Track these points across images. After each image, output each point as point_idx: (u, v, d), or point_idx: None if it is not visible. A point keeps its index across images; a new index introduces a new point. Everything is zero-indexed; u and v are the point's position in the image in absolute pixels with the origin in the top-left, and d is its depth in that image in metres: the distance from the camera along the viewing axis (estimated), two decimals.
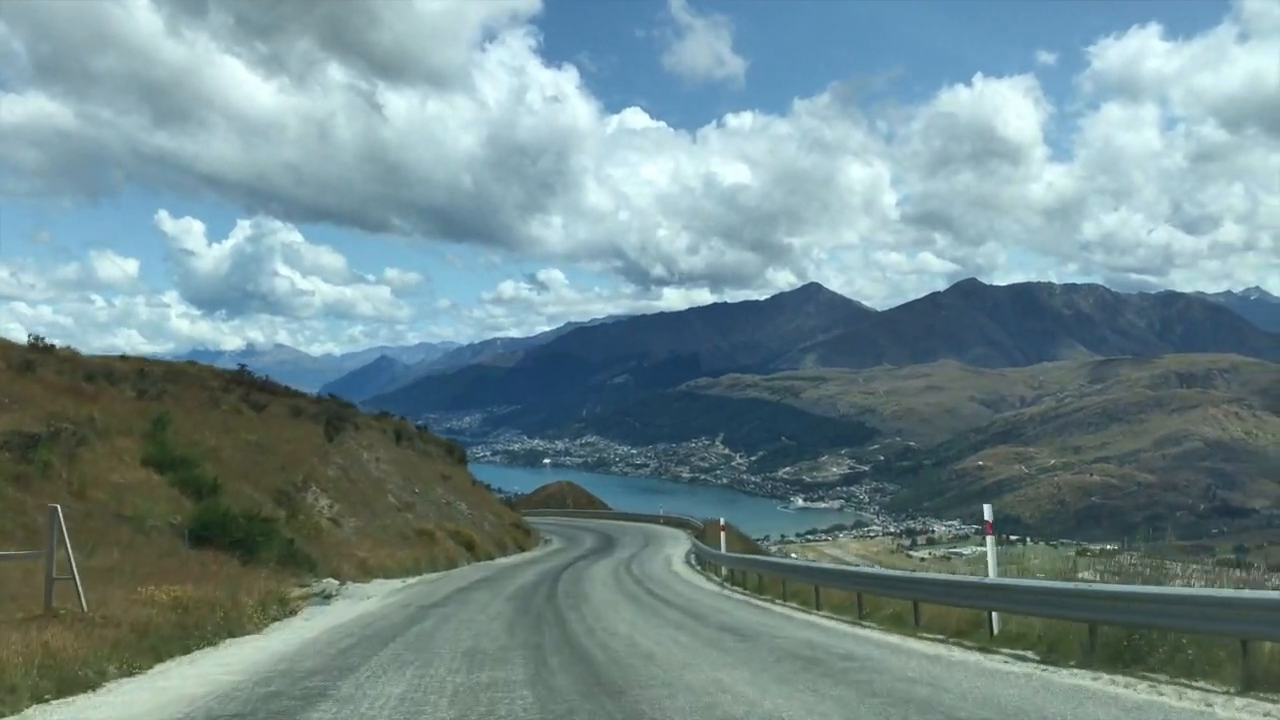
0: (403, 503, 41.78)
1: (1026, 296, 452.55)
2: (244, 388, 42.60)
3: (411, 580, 29.08)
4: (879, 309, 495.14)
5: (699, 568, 38.59)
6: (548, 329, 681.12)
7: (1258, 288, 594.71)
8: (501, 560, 43.60)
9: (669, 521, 73.20)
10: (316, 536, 28.41)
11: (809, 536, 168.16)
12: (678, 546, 51.44)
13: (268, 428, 36.18)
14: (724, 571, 32.41)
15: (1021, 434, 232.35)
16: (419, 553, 34.53)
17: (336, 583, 23.71)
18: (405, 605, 20.81)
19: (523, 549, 51.96)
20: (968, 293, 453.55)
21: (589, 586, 26.92)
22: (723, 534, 39.17)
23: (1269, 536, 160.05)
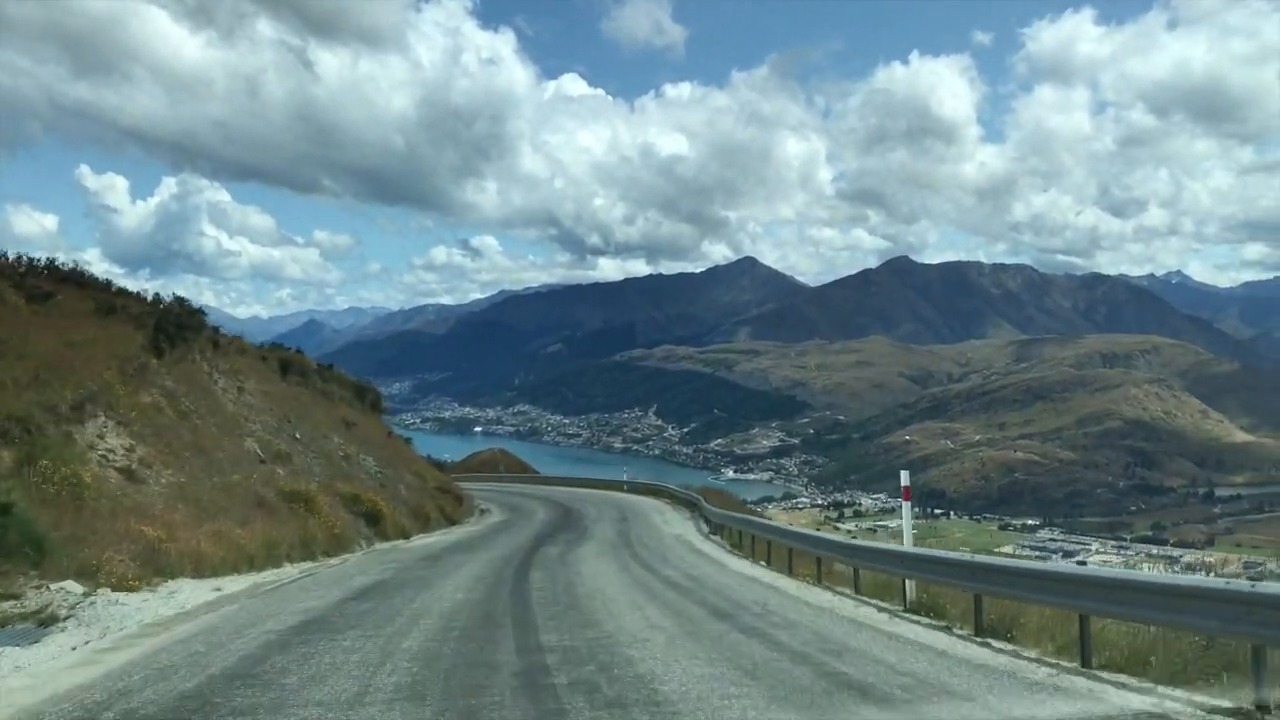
0: (272, 452, 28.56)
1: (956, 275, 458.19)
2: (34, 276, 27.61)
3: (238, 585, 17.23)
4: (812, 285, 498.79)
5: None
6: (480, 296, 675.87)
7: (1179, 271, 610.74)
8: (421, 540, 30.95)
9: (635, 489, 58.87)
10: (78, 498, 16.34)
11: None
12: (678, 526, 36.22)
13: (44, 326, 22.71)
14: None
15: (948, 410, 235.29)
16: (280, 530, 22.22)
17: (80, 590, 13.45)
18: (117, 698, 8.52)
19: (453, 522, 39.37)
20: (899, 270, 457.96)
21: (610, 606, 14.55)
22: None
23: (1185, 515, 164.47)
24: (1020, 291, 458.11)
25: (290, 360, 39.98)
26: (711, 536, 31.86)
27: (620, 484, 62.74)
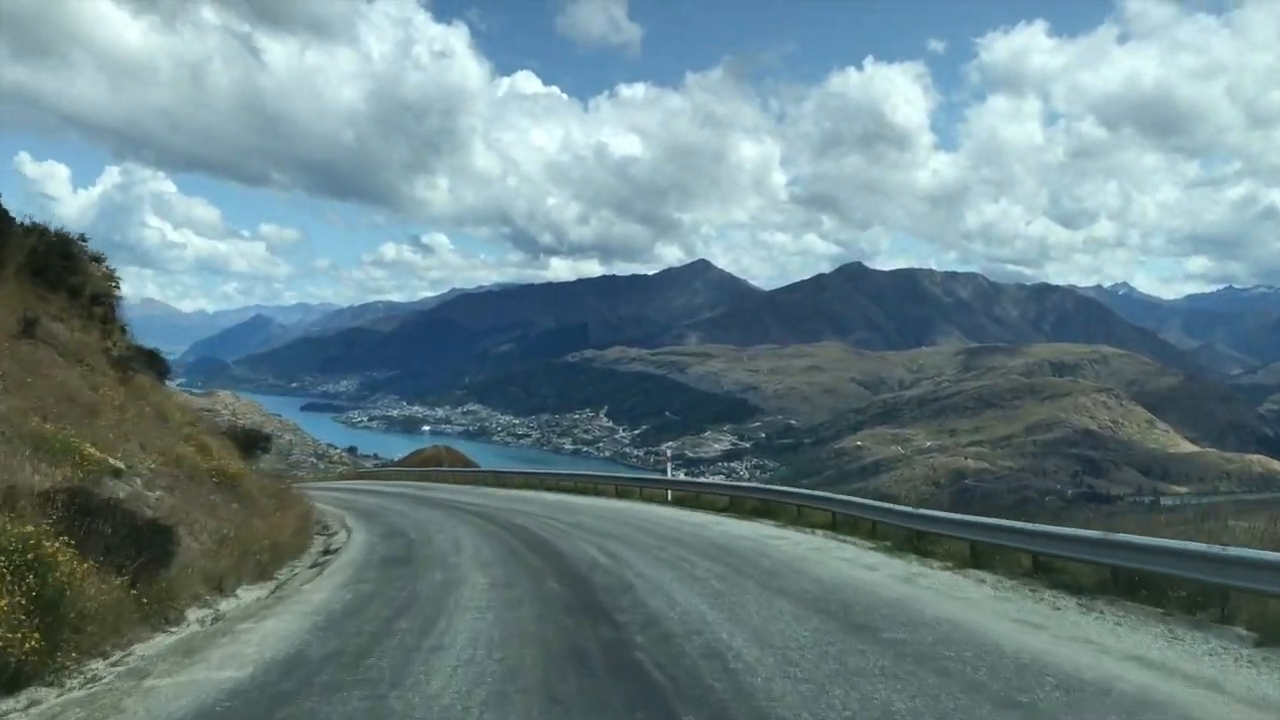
0: None
1: (908, 282, 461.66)
2: None
3: None
4: (765, 288, 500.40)
5: None
6: (431, 294, 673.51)
7: (1125, 283, 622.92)
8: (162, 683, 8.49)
9: (683, 498, 31.03)
10: None
11: None
12: None
13: None
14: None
15: (899, 416, 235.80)
16: None
17: None
18: None
19: (264, 576, 15.40)
20: (852, 276, 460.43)
21: None
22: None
23: (1131, 523, 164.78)
24: (971, 300, 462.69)
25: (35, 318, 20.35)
26: None
27: (608, 484, 37.62)
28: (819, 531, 20.89)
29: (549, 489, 40.46)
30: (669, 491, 32.29)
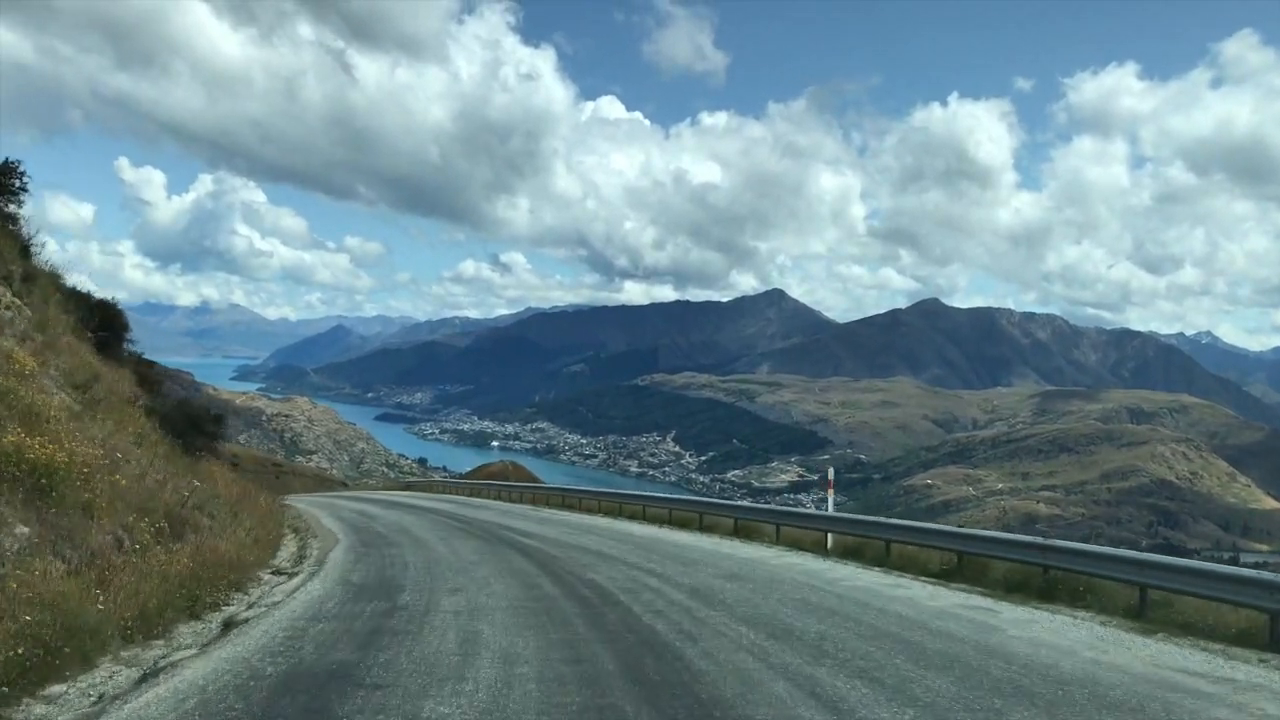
0: None
1: (986, 321, 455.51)
2: None
3: None
4: (840, 321, 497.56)
5: None
6: (506, 312, 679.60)
7: (1209, 332, 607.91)
8: None
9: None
10: None
11: None
12: None
13: None
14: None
15: (971, 456, 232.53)
16: None
17: None
18: None
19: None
20: (928, 312, 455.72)
21: None
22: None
23: None
24: (1049, 342, 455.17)
25: None
26: None
27: (721, 515, 26.27)
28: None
29: (631, 517, 29.81)
30: (828, 535, 20.82)
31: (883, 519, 20.63)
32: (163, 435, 18.35)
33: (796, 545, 20.97)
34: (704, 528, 25.30)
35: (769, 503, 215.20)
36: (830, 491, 27.21)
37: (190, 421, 20.66)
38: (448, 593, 13.27)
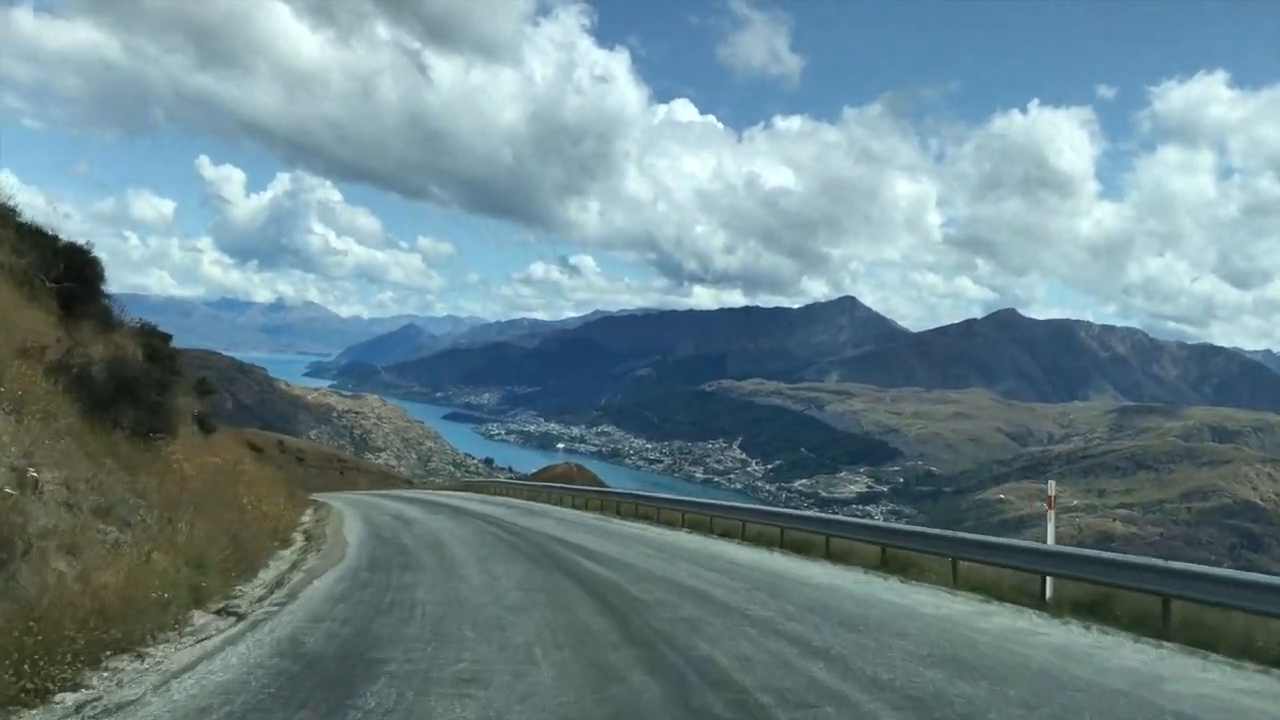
0: None
1: (1063, 333, 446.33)
2: None
3: None
4: (913, 330, 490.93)
5: None
6: (574, 315, 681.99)
7: None
8: None
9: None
10: None
11: None
12: None
13: None
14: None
15: (1046, 471, 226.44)
16: None
17: None
18: None
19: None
20: (1004, 323, 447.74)
21: None
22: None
23: None
24: (1128, 355, 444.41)
25: None
26: None
27: (862, 539, 19.29)
28: None
29: (723, 534, 23.46)
30: (1046, 579, 13.99)
31: (1151, 561, 12.57)
32: (83, 406, 13.12)
33: (987, 589, 14.45)
34: (831, 554, 18.74)
35: (836, 513, 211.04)
36: (1051, 514, 15.69)
37: (122, 388, 14.26)
38: (454, 685, 7.73)
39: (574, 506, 36.24)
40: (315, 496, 42.88)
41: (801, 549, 19.85)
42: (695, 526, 25.48)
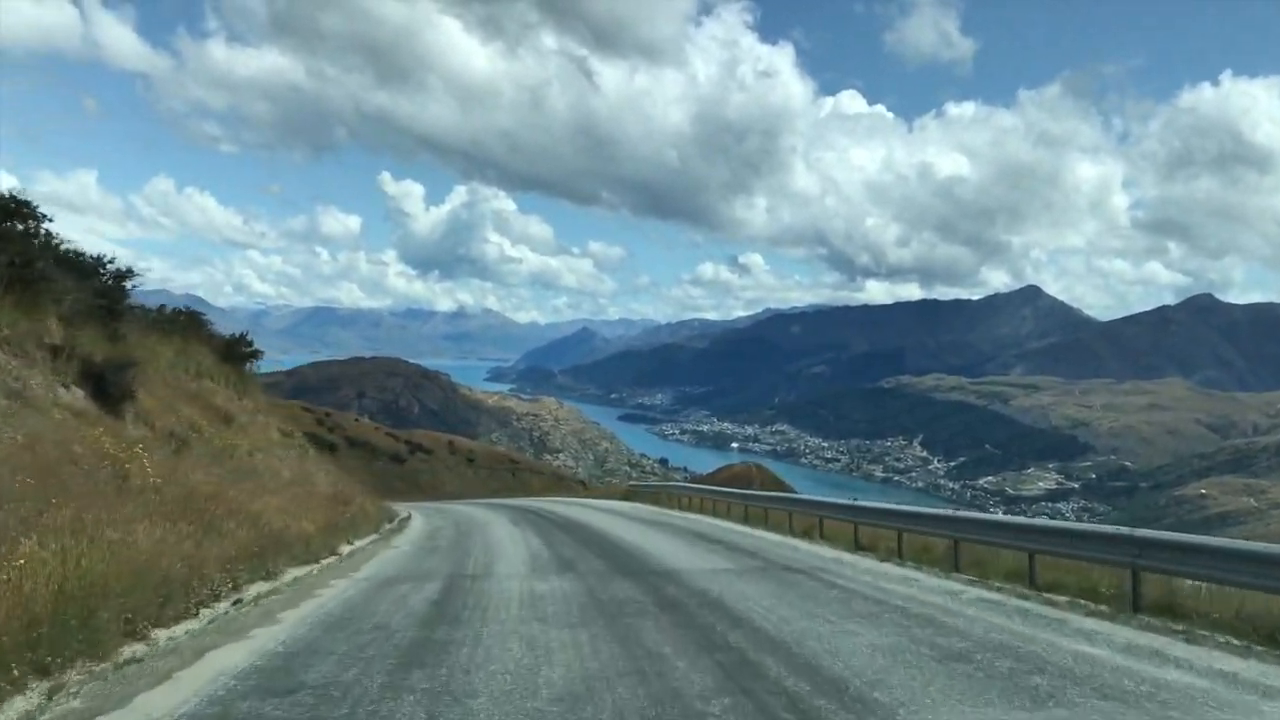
0: None
1: (1267, 318, 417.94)
2: None
3: None
4: (1101, 319, 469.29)
5: None
6: (745, 314, 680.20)
7: None
8: None
9: None
10: None
11: None
12: None
13: None
14: None
15: (1253, 464, 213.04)
16: None
17: None
18: None
19: None
20: (1201, 309, 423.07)
21: None
22: None
23: None
24: None
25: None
26: None
27: None
28: None
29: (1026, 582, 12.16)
30: None
31: None
32: None
33: None
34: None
35: (1024, 512, 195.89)
36: None
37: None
38: None
39: (769, 525, 23.07)
40: (441, 505, 39.18)
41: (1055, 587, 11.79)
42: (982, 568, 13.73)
